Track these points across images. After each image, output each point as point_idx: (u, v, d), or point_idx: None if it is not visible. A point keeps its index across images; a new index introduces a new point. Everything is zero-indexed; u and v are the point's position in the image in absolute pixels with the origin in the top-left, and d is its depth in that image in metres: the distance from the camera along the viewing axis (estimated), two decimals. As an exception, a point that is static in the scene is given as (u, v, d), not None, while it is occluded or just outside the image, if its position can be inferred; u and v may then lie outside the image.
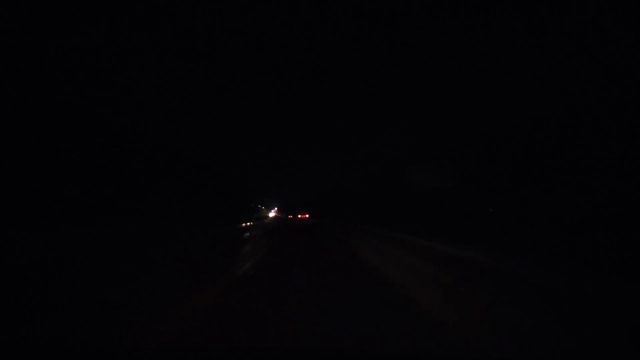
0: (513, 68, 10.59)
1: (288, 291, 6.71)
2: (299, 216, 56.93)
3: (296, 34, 8.99)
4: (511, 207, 20.81)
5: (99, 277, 8.16)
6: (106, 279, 7.66)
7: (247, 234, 28.48)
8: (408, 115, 16.46)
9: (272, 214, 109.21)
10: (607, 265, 9.29)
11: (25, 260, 10.75)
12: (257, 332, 4.37)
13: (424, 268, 9.05)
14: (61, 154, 19.78)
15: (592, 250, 11.42)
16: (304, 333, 4.36)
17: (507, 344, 4.47)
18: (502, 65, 10.38)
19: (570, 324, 4.54)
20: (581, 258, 10.46)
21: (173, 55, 10.26)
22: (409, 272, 8.94)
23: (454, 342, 4.34)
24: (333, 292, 6.71)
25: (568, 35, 8.38)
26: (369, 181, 48.45)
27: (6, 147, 16.37)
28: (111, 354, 2.92)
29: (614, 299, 5.84)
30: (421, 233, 17.55)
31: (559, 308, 5.18)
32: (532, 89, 12.20)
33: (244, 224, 37.20)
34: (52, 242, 14.44)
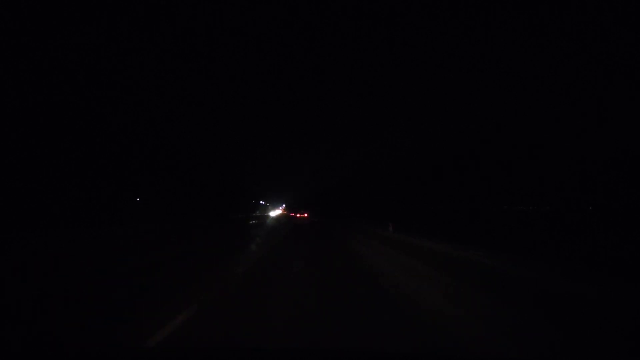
0: (513, 68, 10.62)
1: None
2: (298, 215, 56.45)
3: (296, 34, 9.03)
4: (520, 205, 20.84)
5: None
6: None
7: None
8: (408, 115, 16.53)
9: (279, 211, 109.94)
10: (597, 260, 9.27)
11: (25, 260, 10.71)
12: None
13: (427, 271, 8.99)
14: (61, 155, 19.79)
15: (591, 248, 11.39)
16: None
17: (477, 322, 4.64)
18: (503, 65, 10.42)
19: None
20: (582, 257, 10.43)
21: (175, 58, 10.30)
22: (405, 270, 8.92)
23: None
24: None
25: (569, 36, 8.40)
26: (369, 181, 48.60)
27: (9, 149, 16.36)
28: (111, 354, 2.91)
29: (590, 292, 5.84)
30: (423, 233, 17.51)
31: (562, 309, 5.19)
32: (531, 89, 12.24)
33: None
34: (52, 242, 14.39)
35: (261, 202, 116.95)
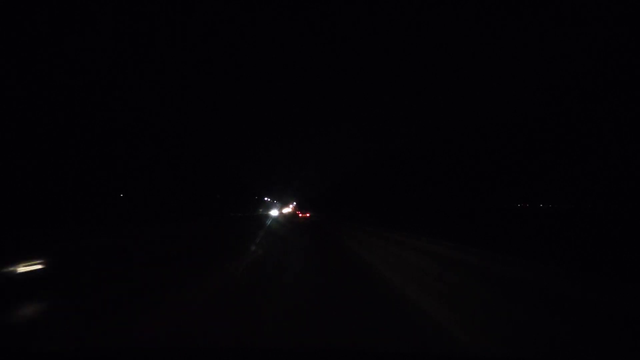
0: (518, 67, 10.53)
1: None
2: (300, 215, 57.89)
3: (300, 33, 8.98)
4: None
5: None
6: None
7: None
8: (409, 115, 16.49)
9: (289, 209, 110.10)
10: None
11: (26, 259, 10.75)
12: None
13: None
14: (61, 156, 19.78)
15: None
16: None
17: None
18: (508, 64, 10.34)
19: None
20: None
21: (170, 48, 10.26)
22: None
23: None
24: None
25: (572, 34, 8.33)
26: (370, 181, 48.51)
27: (9, 149, 16.40)
28: (111, 354, 2.92)
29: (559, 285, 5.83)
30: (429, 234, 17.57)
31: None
32: (533, 88, 12.14)
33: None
34: (51, 241, 14.45)
35: (266, 198, 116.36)
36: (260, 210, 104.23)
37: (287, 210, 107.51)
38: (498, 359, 3.72)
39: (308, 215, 55.65)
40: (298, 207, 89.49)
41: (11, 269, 8.56)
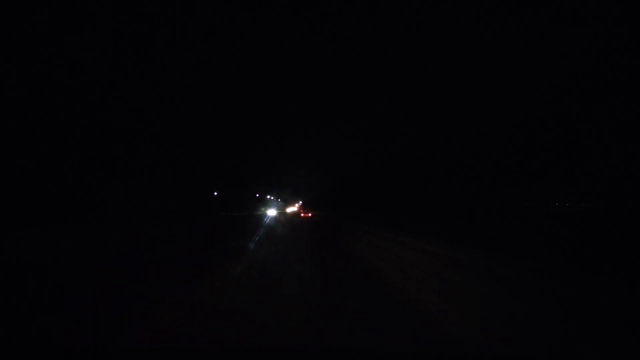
0: (518, 67, 10.54)
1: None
2: (302, 214, 58.10)
3: (300, 33, 8.98)
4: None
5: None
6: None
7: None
8: (409, 115, 16.48)
9: (294, 209, 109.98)
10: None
11: (26, 258, 10.76)
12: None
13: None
14: (60, 156, 19.77)
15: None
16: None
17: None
18: (508, 64, 10.33)
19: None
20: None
21: (169, 45, 10.26)
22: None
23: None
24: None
25: (571, 34, 8.33)
26: (370, 181, 48.50)
27: (9, 149, 16.40)
28: (111, 354, 2.92)
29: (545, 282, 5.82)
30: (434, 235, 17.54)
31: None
32: (534, 88, 12.13)
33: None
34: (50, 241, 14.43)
35: (269, 196, 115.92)
36: (263, 209, 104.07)
37: (292, 209, 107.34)
38: (498, 359, 3.72)
39: (310, 215, 55.75)
40: (302, 207, 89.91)
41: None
